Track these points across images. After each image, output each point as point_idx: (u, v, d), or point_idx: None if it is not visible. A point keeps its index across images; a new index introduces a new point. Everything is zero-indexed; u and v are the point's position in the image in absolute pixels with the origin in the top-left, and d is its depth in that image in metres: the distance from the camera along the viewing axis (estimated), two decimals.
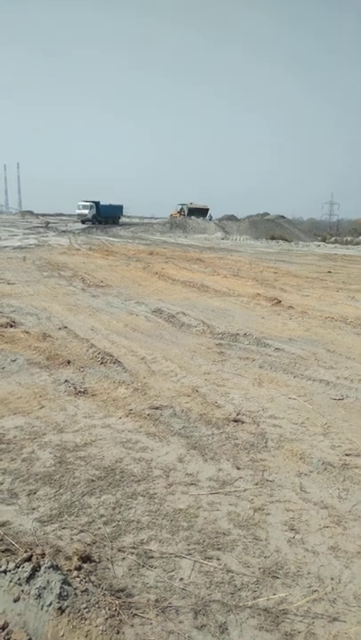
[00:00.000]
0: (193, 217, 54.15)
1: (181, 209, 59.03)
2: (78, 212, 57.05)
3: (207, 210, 58.08)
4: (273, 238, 40.99)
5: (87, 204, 56.60)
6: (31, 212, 79.40)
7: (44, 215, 75.68)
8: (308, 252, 29.63)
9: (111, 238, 33.36)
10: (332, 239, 45.12)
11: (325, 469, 3.74)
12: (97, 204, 57.21)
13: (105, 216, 57.66)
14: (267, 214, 54.21)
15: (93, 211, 56.43)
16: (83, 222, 54.78)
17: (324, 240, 44.48)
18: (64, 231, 38.32)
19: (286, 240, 40.24)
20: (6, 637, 2.18)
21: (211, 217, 57.51)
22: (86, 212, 56.13)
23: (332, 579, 2.63)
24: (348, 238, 44.27)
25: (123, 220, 66.43)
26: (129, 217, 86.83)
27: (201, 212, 56.64)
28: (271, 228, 46.20)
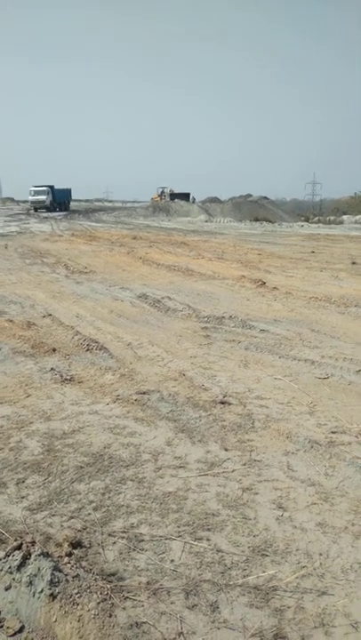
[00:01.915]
0: (176, 200, 53.74)
1: (162, 192, 58.39)
2: (32, 198, 48.60)
3: (188, 194, 57.46)
4: (256, 220, 40.94)
5: (43, 188, 48.94)
6: (12, 199, 78.07)
7: (25, 202, 74.39)
8: (291, 233, 29.66)
9: (94, 223, 33.01)
10: (316, 219, 45.16)
11: (312, 447, 3.79)
12: (52, 188, 49.93)
13: (59, 202, 51.38)
14: (250, 196, 54.09)
15: (50, 196, 49.16)
16: (36, 210, 47.55)
17: (307, 220, 44.53)
18: (46, 217, 37.80)
19: (270, 221, 40.24)
20: None
21: (194, 199, 57.15)
22: (43, 197, 48.45)
23: (321, 554, 2.68)
24: (331, 218, 44.30)
25: (100, 205, 64.08)
26: (111, 202, 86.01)
27: (183, 197, 56.02)
28: (254, 209, 46.14)
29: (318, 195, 74.57)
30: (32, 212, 46.93)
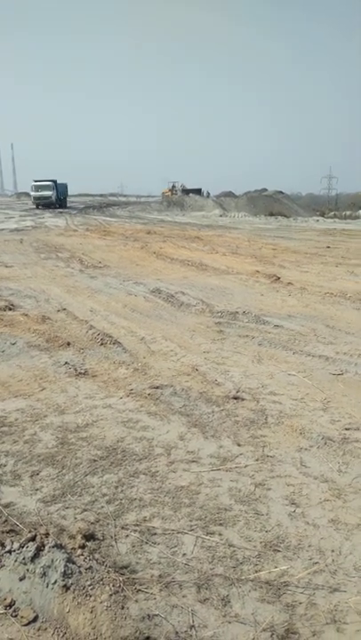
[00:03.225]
0: (191, 194, 53.64)
1: (173, 186, 58.49)
2: (36, 194, 42.83)
3: (200, 190, 57.33)
4: (271, 214, 40.58)
5: (47, 183, 42.98)
6: (27, 194, 78.51)
7: None
8: (306, 228, 29.40)
9: (108, 218, 33.10)
10: (331, 214, 44.62)
11: (325, 444, 3.77)
12: (55, 182, 43.87)
13: (60, 197, 45.07)
14: (265, 190, 53.61)
15: (55, 192, 43.30)
16: (37, 207, 42.20)
17: (322, 215, 43.98)
18: (61, 212, 37.97)
19: (285, 216, 39.84)
20: (14, 614, 2.23)
21: (208, 194, 56.95)
22: (49, 193, 42.61)
23: (333, 551, 2.67)
24: (348, 212, 43.72)
25: (114, 199, 62.01)
26: (125, 196, 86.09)
27: (195, 192, 55.90)
28: (270, 203, 45.72)
29: (334, 189, 73.45)
30: (37, 209, 41.72)
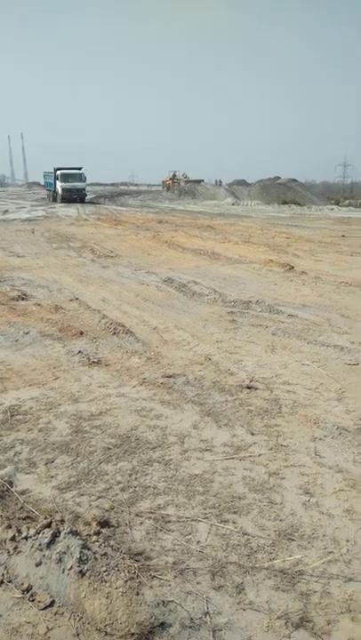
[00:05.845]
0: (202, 182, 53.24)
1: (174, 175, 58.09)
2: (65, 185, 33.65)
3: (202, 180, 56.72)
4: (285, 203, 40.14)
5: (77, 172, 34.64)
6: (38, 184, 78.60)
7: None
8: (321, 216, 29.09)
9: (119, 207, 33.03)
10: (346, 202, 44.05)
11: (340, 434, 3.74)
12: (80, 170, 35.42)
13: None
14: (278, 178, 52.99)
15: (86, 181, 35.14)
16: (63, 201, 33.57)
17: (337, 203, 43.46)
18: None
19: (299, 204, 39.41)
20: (31, 599, 2.26)
21: (220, 182, 56.53)
22: (82, 185, 34.25)
23: (348, 540, 2.66)
24: None
25: (125, 188, 61.18)
26: (136, 185, 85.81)
27: (198, 182, 55.42)
28: (283, 192, 45.21)
29: (349, 177, 72.53)
30: (57, 203, 33.76)
